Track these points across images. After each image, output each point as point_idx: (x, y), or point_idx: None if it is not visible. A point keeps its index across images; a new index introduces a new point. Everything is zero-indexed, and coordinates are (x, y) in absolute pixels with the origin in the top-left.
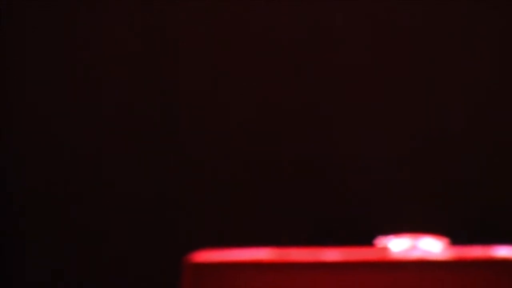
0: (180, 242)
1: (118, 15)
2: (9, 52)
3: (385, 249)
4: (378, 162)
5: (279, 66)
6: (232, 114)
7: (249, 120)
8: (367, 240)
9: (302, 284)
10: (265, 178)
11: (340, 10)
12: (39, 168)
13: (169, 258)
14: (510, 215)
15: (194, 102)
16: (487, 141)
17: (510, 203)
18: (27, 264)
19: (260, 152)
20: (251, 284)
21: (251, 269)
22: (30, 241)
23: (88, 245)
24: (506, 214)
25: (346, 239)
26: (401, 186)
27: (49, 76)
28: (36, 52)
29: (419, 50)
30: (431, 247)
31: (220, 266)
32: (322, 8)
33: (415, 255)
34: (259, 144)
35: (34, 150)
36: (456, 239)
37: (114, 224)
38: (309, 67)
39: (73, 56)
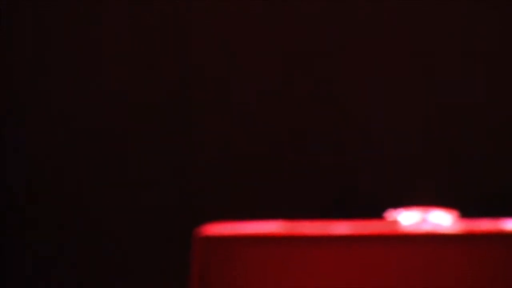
0: (190, 215)
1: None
2: (9, 52)
3: (395, 222)
4: (388, 136)
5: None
6: (242, 91)
7: (259, 93)
8: (377, 214)
9: (311, 258)
10: (276, 151)
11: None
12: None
13: (180, 231)
14: None
15: (205, 83)
16: (498, 115)
17: None
18: (30, 237)
19: (271, 124)
20: (261, 258)
21: (261, 242)
22: (39, 212)
23: (98, 218)
24: None
25: (356, 212)
26: (410, 160)
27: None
28: (35, 50)
29: (431, 28)
30: (441, 220)
31: (230, 239)
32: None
33: (425, 228)
34: (270, 117)
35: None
36: (466, 212)
37: (125, 199)
38: (319, 46)
39: (75, 53)
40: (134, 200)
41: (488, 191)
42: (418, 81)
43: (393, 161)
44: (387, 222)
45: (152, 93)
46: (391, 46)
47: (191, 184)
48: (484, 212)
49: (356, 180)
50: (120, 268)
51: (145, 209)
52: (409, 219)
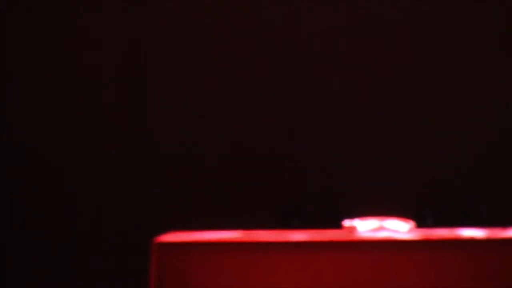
0: (150, 225)
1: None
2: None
3: (352, 230)
4: (348, 148)
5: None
6: (202, 100)
7: (218, 105)
8: (335, 223)
9: (267, 264)
10: (236, 161)
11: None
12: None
13: (140, 240)
14: (474, 199)
15: (162, 89)
16: (456, 130)
17: (475, 188)
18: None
19: (229, 135)
20: (217, 264)
21: (217, 248)
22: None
23: (61, 225)
24: (470, 198)
25: (314, 222)
26: (370, 171)
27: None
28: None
29: (398, 40)
30: (397, 228)
31: (187, 245)
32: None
33: (381, 235)
34: (229, 128)
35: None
36: (421, 223)
37: (89, 207)
38: (284, 50)
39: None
40: (96, 212)
41: (443, 202)
42: (378, 96)
43: (351, 173)
44: (344, 230)
45: (108, 101)
46: (358, 60)
47: (152, 197)
48: (439, 223)
49: (314, 191)
50: (80, 273)
51: (108, 219)
52: (366, 227)
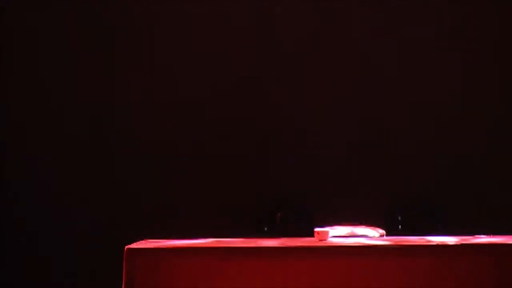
0: (124, 232)
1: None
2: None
3: (323, 236)
4: (319, 156)
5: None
6: (176, 107)
7: (191, 112)
8: (306, 230)
9: (239, 270)
10: (206, 169)
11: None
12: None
13: (114, 246)
14: (444, 205)
15: (128, 107)
16: (428, 137)
17: (445, 194)
18: None
19: (201, 144)
20: (186, 269)
21: (186, 254)
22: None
23: (40, 229)
24: (441, 205)
25: (286, 229)
26: (341, 178)
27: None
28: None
29: (374, 46)
30: (368, 234)
31: (157, 251)
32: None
33: (353, 241)
34: (200, 136)
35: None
36: (392, 229)
37: (65, 214)
38: (255, 58)
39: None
40: (70, 217)
41: (415, 209)
42: (351, 104)
43: (324, 180)
44: (315, 237)
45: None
46: (325, 69)
47: (126, 204)
48: (410, 228)
49: (286, 199)
50: (57, 277)
51: (85, 228)
52: (337, 233)
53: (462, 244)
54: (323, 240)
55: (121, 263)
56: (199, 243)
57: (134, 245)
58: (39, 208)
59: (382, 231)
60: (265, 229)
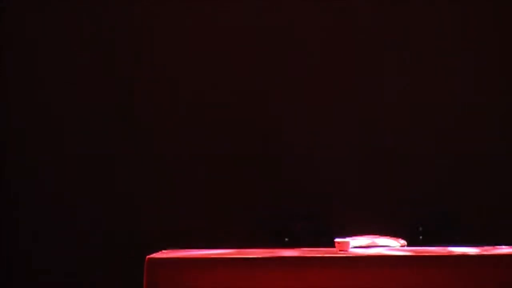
0: (144, 243)
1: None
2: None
3: (344, 246)
4: (340, 167)
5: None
6: (191, 120)
7: (209, 124)
8: (327, 241)
9: (260, 280)
10: (226, 182)
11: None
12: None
13: (135, 257)
14: (466, 216)
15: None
16: (448, 148)
17: (467, 205)
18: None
19: (220, 156)
20: (207, 280)
21: (207, 264)
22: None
23: (61, 242)
24: (462, 215)
25: (306, 240)
26: (362, 189)
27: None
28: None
29: (371, 52)
30: (389, 244)
31: (178, 261)
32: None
33: (374, 252)
34: (218, 149)
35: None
36: (413, 240)
37: (90, 226)
38: (266, 70)
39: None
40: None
41: (436, 219)
42: (366, 115)
43: (345, 191)
44: (336, 247)
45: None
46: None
47: (145, 215)
48: (432, 239)
49: (306, 209)
50: None
51: (107, 237)
52: (358, 243)
53: (483, 255)
54: (343, 250)
55: (141, 273)
56: (220, 253)
57: (155, 255)
58: (51, 212)
59: (403, 242)
60: (286, 239)
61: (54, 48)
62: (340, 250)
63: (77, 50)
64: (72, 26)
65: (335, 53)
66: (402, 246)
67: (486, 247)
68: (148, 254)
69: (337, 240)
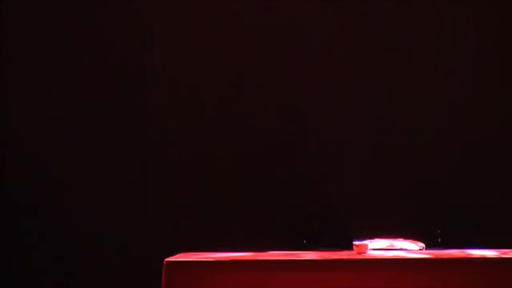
0: (162, 245)
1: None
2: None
3: (362, 249)
4: (359, 170)
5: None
6: (207, 119)
7: (227, 129)
8: (345, 243)
9: (279, 283)
10: (245, 184)
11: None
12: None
13: (153, 260)
14: (485, 218)
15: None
16: (467, 149)
17: (486, 207)
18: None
19: (239, 158)
20: (226, 282)
21: (225, 267)
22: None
23: (78, 246)
24: (481, 218)
25: (324, 242)
26: (381, 191)
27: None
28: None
29: (393, 50)
30: (407, 247)
31: (196, 264)
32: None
33: (392, 254)
34: (237, 151)
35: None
36: (432, 242)
37: (106, 228)
38: (286, 69)
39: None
40: (113, 230)
41: (455, 222)
42: (384, 115)
43: (363, 195)
44: (354, 249)
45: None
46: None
47: (163, 217)
48: (450, 242)
49: (324, 211)
50: None
51: (125, 240)
52: (376, 246)
53: (502, 258)
54: (362, 253)
55: (158, 276)
56: (239, 256)
57: (173, 258)
58: (64, 214)
59: (422, 244)
60: (304, 242)
61: (54, 48)
62: (358, 253)
63: (77, 50)
64: (72, 26)
65: (336, 52)
66: (420, 248)
67: (505, 250)
68: (166, 257)
69: (355, 242)
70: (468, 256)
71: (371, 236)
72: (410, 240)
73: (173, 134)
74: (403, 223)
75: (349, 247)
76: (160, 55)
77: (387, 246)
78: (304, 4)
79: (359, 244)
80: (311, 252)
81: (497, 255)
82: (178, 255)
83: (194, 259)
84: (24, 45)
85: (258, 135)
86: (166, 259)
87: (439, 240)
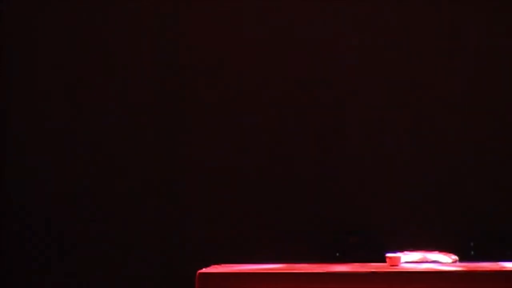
0: (195, 258)
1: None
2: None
3: (395, 261)
4: (392, 182)
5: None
6: (241, 129)
7: (259, 140)
8: (378, 256)
9: None
10: (277, 196)
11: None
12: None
13: (185, 272)
14: None
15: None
16: (499, 161)
17: None
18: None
19: (271, 170)
20: None
21: (257, 279)
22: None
23: (109, 258)
24: None
25: (357, 254)
26: (413, 204)
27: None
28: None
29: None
30: (440, 260)
31: (229, 276)
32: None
33: (425, 267)
34: (269, 164)
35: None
36: (465, 255)
37: (138, 241)
38: (313, 81)
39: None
40: (143, 244)
41: (488, 235)
42: (419, 128)
43: (397, 206)
44: (387, 262)
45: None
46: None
47: (196, 229)
48: (483, 255)
49: (357, 223)
50: None
51: (155, 253)
52: (409, 259)
53: None
54: (394, 265)
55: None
56: (271, 268)
57: (206, 270)
58: (105, 231)
59: (455, 257)
60: (337, 254)
61: (54, 48)
62: (391, 265)
63: (77, 50)
64: (73, 26)
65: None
66: (453, 261)
67: None
68: (199, 269)
69: (388, 255)
70: (501, 269)
71: (404, 249)
72: (443, 253)
73: (203, 147)
74: (436, 236)
75: (382, 260)
76: (159, 55)
77: (420, 259)
78: (304, 4)
79: (392, 256)
80: (343, 264)
81: None
82: (211, 267)
83: (227, 271)
84: (24, 45)
85: (291, 148)
86: (199, 271)
87: (472, 252)
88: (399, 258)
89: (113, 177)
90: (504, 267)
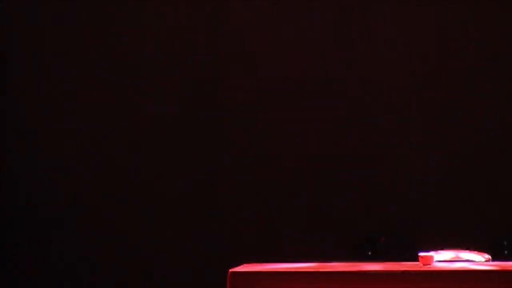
0: (226, 256)
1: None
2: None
3: (428, 261)
4: (422, 180)
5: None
6: (274, 130)
7: (296, 142)
8: (410, 255)
9: None
10: (307, 194)
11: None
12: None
13: (216, 271)
14: None
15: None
16: None
17: None
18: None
19: (301, 169)
20: None
21: (289, 278)
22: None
23: (136, 259)
24: None
25: (389, 253)
26: (445, 202)
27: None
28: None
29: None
30: (473, 259)
31: (260, 275)
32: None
33: (458, 266)
34: (300, 163)
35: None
36: (498, 254)
37: (169, 240)
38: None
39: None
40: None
41: None
42: (450, 127)
43: (428, 204)
44: (419, 261)
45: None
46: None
47: (227, 228)
48: None
49: (388, 222)
50: None
51: (186, 252)
52: (442, 258)
53: None
54: (427, 264)
55: (221, 286)
56: (303, 267)
57: (237, 269)
58: (132, 230)
59: (488, 256)
60: (369, 253)
61: (54, 48)
62: (424, 264)
63: (77, 50)
64: (72, 26)
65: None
66: (486, 260)
67: None
68: (230, 268)
69: (421, 254)
70: None
71: (437, 248)
72: (476, 252)
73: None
74: (469, 235)
75: (415, 259)
76: (159, 55)
77: (453, 258)
78: (304, 4)
79: (424, 255)
80: (375, 263)
81: None
82: (242, 266)
83: (258, 270)
84: (24, 45)
85: (327, 147)
86: (230, 270)
87: (506, 252)
88: (432, 257)
89: (149, 176)
90: None
